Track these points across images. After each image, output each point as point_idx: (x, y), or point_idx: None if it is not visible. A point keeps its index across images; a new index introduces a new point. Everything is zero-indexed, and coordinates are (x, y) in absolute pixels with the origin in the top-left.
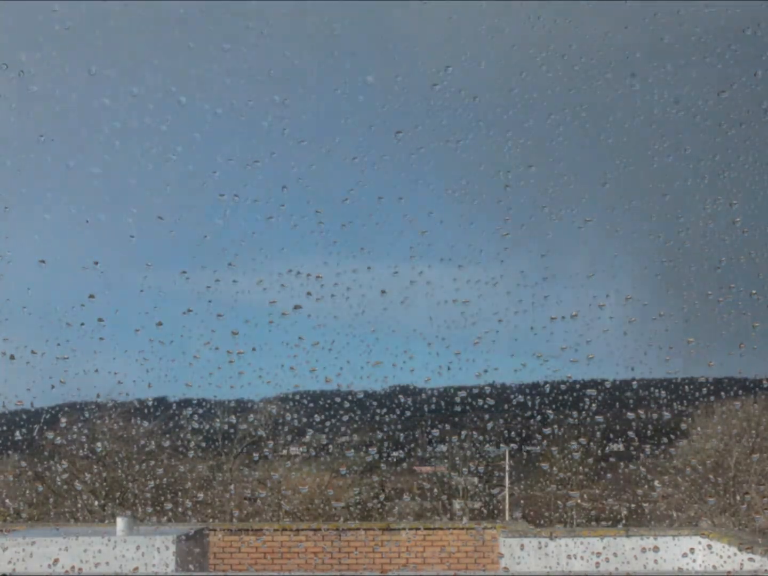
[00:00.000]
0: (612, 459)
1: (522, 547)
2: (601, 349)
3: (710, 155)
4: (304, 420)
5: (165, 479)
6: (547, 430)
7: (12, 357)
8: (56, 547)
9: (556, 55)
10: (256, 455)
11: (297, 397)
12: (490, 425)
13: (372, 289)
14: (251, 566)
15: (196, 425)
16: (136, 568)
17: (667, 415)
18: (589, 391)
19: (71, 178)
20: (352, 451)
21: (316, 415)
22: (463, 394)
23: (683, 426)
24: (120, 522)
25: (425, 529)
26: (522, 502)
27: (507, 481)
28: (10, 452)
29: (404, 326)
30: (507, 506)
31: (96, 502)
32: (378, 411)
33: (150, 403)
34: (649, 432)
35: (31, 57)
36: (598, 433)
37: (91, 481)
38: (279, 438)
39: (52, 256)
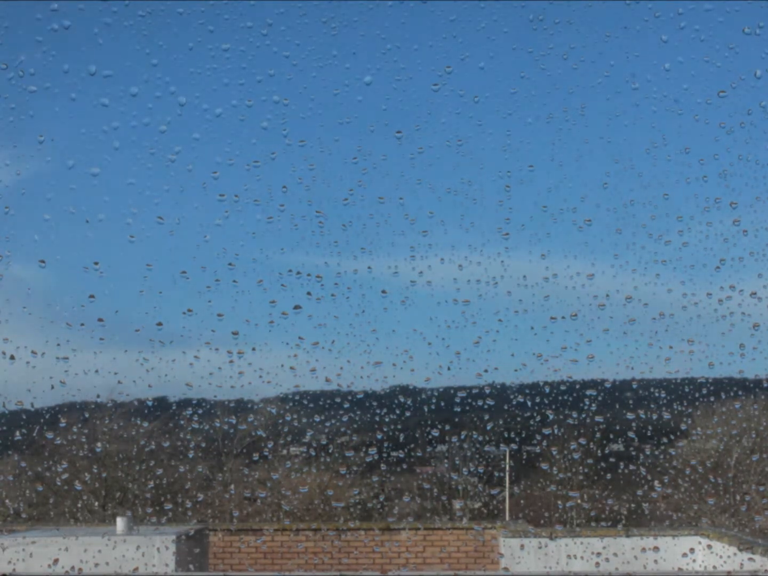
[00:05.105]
0: (612, 459)
1: (522, 547)
2: (601, 349)
3: (710, 155)
4: (304, 420)
5: (165, 479)
6: (547, 431)
7: (12, 357)
8: (56, 547)
9: (556, 55)
10: (256, 455)
11: (297, 397)
12: (490, 425)
13: (372, 289)
14: (251, 566)
15: (196, 425)
16: (136, 568)
17: (667, 415)
18: (589, 391)
19: (71, 178)
20: (352, 451)
21: (316, 416)
22: (463, 394)
23: (683, 426)
24: (120, 522)
25: (425, 529)
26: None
27: (507, 482)
28: (10, 452)
29: (404, 326)
30: (507, 506)
31: (96, 502)
32: (378, 411)
33: (150, 403)
34: (649, 432)
35: (31, 57)
36: (598, 434)
37: (91, 481)
38: (279, 438)
39: (52, 256)
